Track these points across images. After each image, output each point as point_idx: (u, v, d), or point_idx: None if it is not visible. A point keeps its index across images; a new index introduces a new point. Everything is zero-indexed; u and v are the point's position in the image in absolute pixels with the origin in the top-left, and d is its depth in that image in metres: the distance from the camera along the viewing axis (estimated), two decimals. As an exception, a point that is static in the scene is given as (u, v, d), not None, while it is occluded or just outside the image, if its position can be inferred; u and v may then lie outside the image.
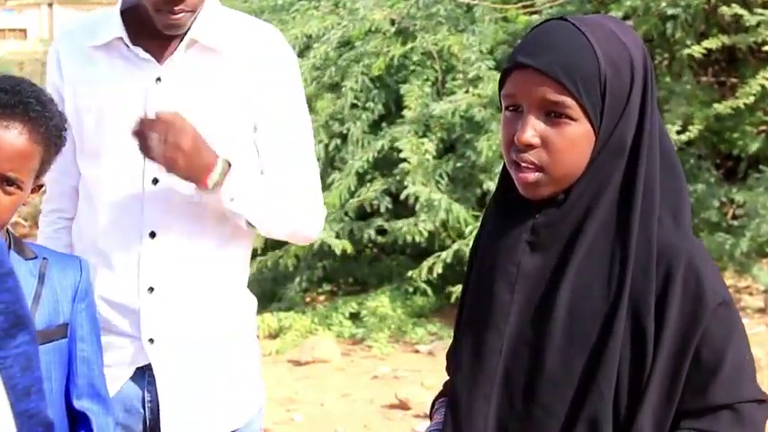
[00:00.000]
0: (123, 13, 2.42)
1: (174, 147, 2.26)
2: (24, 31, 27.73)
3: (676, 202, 1.72)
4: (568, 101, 1.65)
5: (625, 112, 1.68)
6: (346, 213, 6.93)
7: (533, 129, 1.67)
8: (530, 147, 1.67)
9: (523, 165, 1.68)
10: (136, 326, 2.40)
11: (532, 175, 1.68)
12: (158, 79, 2.39)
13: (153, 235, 2.39)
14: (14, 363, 0.89)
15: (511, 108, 1.71)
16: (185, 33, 2.39)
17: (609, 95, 1.66)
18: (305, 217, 2.48)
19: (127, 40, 2.39)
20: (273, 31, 2.50)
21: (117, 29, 2.40)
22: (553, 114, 1.66)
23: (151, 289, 2.40)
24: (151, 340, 2.40)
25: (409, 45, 7.07)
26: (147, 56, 2.39)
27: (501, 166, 1.78)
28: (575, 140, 1.66)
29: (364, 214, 7.13)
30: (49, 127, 2.05)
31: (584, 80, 1.65)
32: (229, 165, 2.33)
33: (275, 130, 2.44)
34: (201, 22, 2.39)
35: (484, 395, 1.71)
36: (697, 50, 6.58)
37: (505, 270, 1.72)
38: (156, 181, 2.38)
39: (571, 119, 1.66)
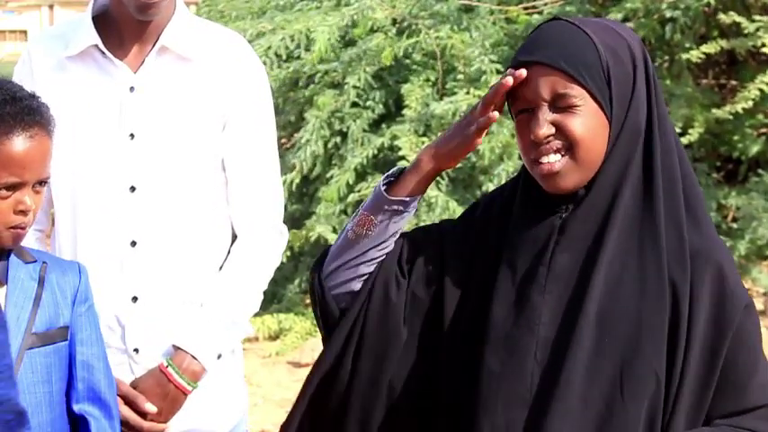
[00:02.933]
0: (94, 19, 2.41)
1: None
2: (25, 32, 27.72)
3: (691, 197, 1.72)
4: (576, 89, 1.67)
5: (633, 99, 1.69)
6: (344, 211, 6.93)
7: (546, 121, 1.68)
8: (547, 138, 1.68)
9: (544, 157, 1.68)
10: (121, 337, 2.39)
11: (557, 163, 1.69)
12: (132, 89, 2.39)
13: (133, 244, 2.39)
14: None
15: (521, 111, 1.72)
16: (156, 40, 2.39)
17: (614, 82, 1.68)
18: (272, 260, 2.52)
19: (102, 47, 2.38)
20: (242, 40, 2.52)
21: (91, 36, 2.39)
22: (563, 106, 1.68)
23: (135, 298, 2.39)
24: (136, 350, 2.40)
25: (413, 39, 7.08)
26: (121, 63, 2.39)
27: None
28: (588, 125, 1.68)
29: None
30: (51, 117, 2.09)
31: (588, 68, 1.67)
32: (203, 368, 2.37)
33: (241, 134, 2.45)
34: (172, 29, 2.39)
35: (522, 399, 1.69)
36: (695, 55, 6.58)
37: (536, 271, 1.72)
38: (133, 189, 2.38)
39: (581, 107, 1.67)
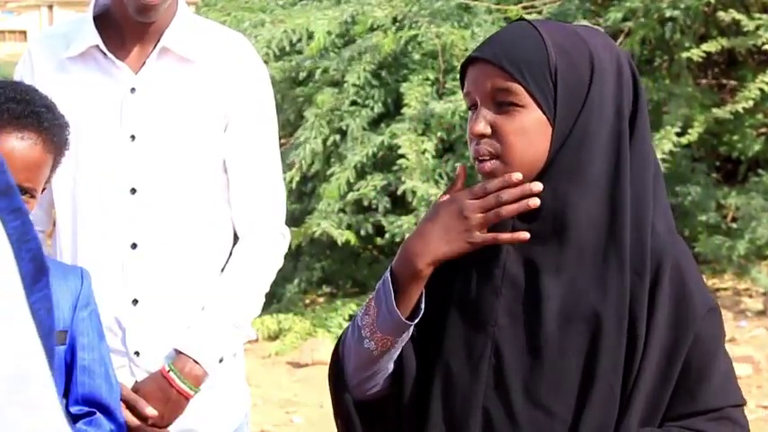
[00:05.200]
0: (96, 18, 2.40)
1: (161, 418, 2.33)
2: (24, 32, 27.73)
3: (666, 212, 1.71)
4: (514, 86, 1.66)
5: (586, 105, 1.67)
6: (342, 209, 6.92)
7: (484, 119, 1.68)
8: (482, 137, 1.68)
9: (480, 157, 1.69)
10: (121, 340, 2.38)
11: (488, 165, 1.69)
12: (132, 89, 2.38)
13: (134, 246, 2.38)
14: (41, 306, 0.92)
15: (471, 107, 1.72)
16: (158, 41, 2.38)
17: (561, 83, 1.66)
18: (274, 262, 2.54)
19: (103, 48, 2.37)
20: (245, 41, 2.51)
21: (92, 37, 2.38)
22: (503, 103, 1.67)
23: (135, 301, 2.38)
24: (137, 353, 2.39)
25: (413, 31, 7.07)
26: (122, 64, 2.38)
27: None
28: (525, 127, 1.66)
29: (362, 210, 7.13)
30: (60, 135, 2.06)
31: (531, 66, 1.66)
32: (206, 372, 2.36)
33: (243, 135, 2.44)
34: (174, 30, 2.39)
35: (476, 402, 1.69)
36: (696, 54, 6.59)
37: (492, 273, 1.71)
38: (134, 191, 2.38)
39: (520, 105, 1.66)
